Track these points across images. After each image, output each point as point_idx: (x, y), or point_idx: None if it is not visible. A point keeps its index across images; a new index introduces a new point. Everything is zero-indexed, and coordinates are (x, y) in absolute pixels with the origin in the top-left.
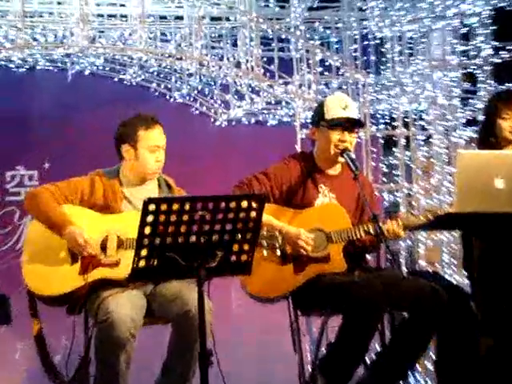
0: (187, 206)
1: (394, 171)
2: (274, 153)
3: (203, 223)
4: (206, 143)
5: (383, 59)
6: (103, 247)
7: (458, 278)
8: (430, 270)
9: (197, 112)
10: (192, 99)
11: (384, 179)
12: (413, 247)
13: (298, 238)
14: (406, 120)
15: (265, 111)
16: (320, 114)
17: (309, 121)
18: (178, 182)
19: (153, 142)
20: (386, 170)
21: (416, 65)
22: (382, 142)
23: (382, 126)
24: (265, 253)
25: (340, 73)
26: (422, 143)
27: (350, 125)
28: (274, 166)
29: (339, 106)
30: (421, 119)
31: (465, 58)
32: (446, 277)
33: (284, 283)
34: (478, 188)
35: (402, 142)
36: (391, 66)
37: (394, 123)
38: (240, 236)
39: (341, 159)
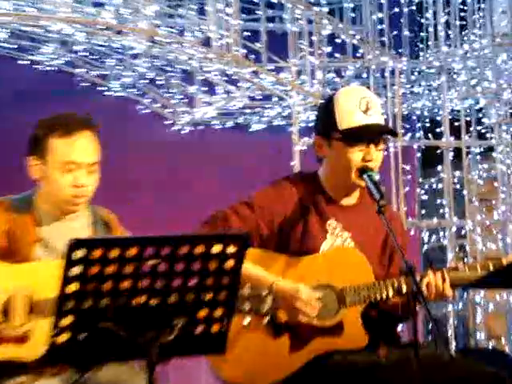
0: (132, 252)
1: (437, 200)
2: (261, 172)
3: (155, 277)
4: (158, 157)
5: (422, 34)
6: (5, 313)
7: None
8: (491, 347)
9: (145, 111)
10: (138, 92)
11: (423, 211)
12: (466, 313)
13: (295, 299)
14: (455, 124)
15: (247, 110)
16: (330, 119)
17: (311, 125)
18: (120, 217)
19: (66, 156)
20: (425, 197)
21: (471, 43)
22: (420, 156)
23: (419, 134)
24: (246, 321)
25: (358, 55)
26: (480, 158)
27: (377, 135)
28: (260, 192)
29: (358, 107)
30: (478, 123)
31: None
32: None
33: (275, 366)
34: None
35: (450, 156)
36: (434, 45)
37: (438, 129)
38: (210, 296)
39: (359, 182)
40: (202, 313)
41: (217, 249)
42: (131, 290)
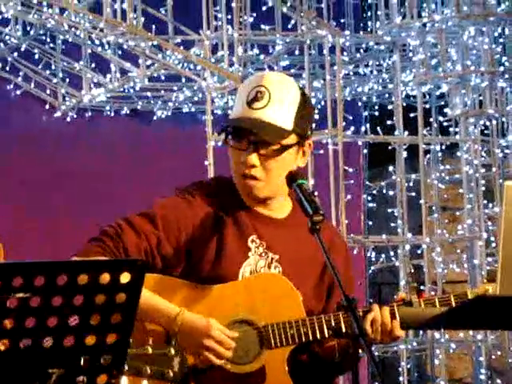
0: None
1: (388, 209)
2: (165, 172)
3: (25, 315)
4: (34, 150)
5: (370, 1)
6: None
7: None
8: None
9: (18, 92)
10: (9, 69)
11: (369, 223)
12: (423, 353)
13: (205, 336)
14: (410, 115)
15: (148, 94)
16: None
17: (230, 112)
18: None
19: None
20: (372, 205)
21: (431, 13)
22: (367, 154)
23: (366, 127)
24: None
25: (289, 26)
26: (441, 158)
27: (262, 133)
28: (163, 201)
29: (246, 97)
30: (440, 114)
31: None
32: None
33: None
34: None
35: (404, 154)
36: (384, 16)
37: (390, 121)
38: (95, 339)
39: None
40: (85, 361)
41: (104, 278)
42: None
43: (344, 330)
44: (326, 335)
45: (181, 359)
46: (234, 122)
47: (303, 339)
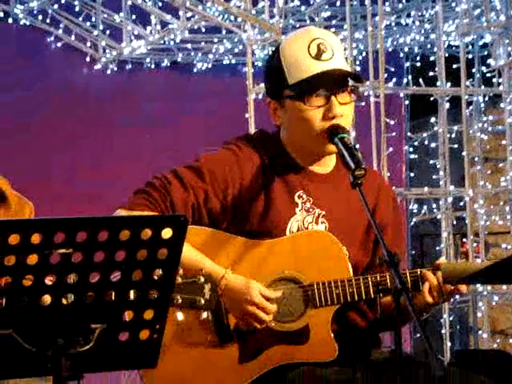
0: (36, 238)
1: (430, 160)
2: (208, 125)
3: (67, 271)
4: (76, 103)
5: None
6: None
7: None
8: (496, 348)
9: (59, 44)
10: (48, 20)
11: (411, 175)
12: (465, 306)
13: (246, 302)
14: (453, 66)
15: (188, 46)
16: (278, 75)
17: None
18: (20, 182)
19: None
20: (414, 156)
21: None
22: (408, 105)
23: (408, 78)
24: (179, 317)
25: None
26: (484, 109)
27: (339, 83)
28: (210, 155)
29: (307, 53)
30: (483, 65)
31: None
32: None
33: (221, 382)
34: None
35: (447, 106)
36: None
37: (432, 72)
38: (137, 295)
39: (330, 147)
40: (127, 316)
41: (146, 234)
42: (35, 286)
43: (388, 287)
44: (372, 295)
45: (211, 286)
46: (320, 78)
47: (348, 299)
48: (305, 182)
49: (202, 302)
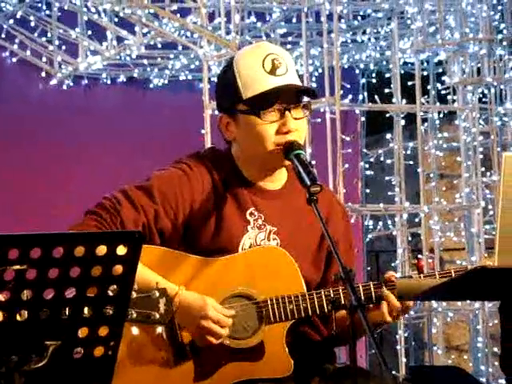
0: None
1: (385, 177)
2: (162, 141)
3: (21, 287)
4: (30, 118)
5: None
6: None
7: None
8: (451, 364)
9: (14, 60)
10: (3, 35)
11: (367, 191)
12: (420, 323)
13: (201, 317)
14: (408, 83)
15: (144, 62)
16: (231, 90)
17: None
18: None
19: None
20: (370, 173)
21: None
22: (364, 121)
23: (364, 95)
24: (134, 332)
25: None
26: (439, 126)
27: (294, 98)
28: (161, 173)
29: (262, 68)
30: (438, 82)
31: None
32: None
33: None
34: None
35: (402, 122)
36: None
37: (387, 89)
38: (92, 311)
39: (285, 163)
40: (82, 332)
41: (101, 250)
42: None
43: (343, 303)
44: (326, 310)
45: (166, 301)
46: (275, 93)
47: (303, 314)
48: (256, 198)
49: (157, 316)
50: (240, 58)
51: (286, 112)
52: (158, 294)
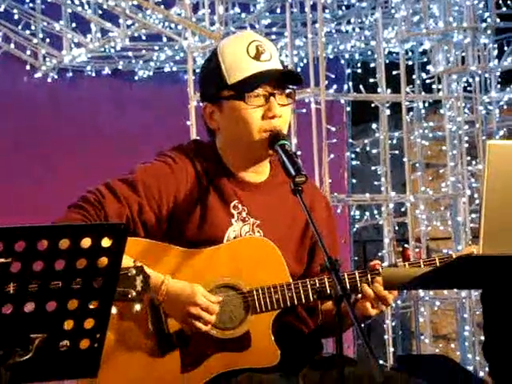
0: None
1: (371, 166)
2: (147, 133)
3: (6, 280)
4: (15, 111)
5: None
6: None
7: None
8: (438, 352)
9: None
10: None
11: (353, 181)
12: (407, 312)
13: (189, 304)
14: (393, 72)
15: (129, 54)
16: (216, 77)
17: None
18: None
19: None
20: (356, 163)
21: None
22: (350, 111)
23: (349, 85)
24: (120, 322)
25: None
26: (424, 115)
27: (275, 82)
28: (145, 166)
29: (246, 54)
30: (423, 71)
31: None
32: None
33: None
34: None
35: (387, 112)
36: None
37: (372, 79)
38: (77, 304)
39: (268, 152)
40: (68, 325)
41: (86, 243)
42: None
43: (329, 293)
44: (311, 299)
45: (143, 278)
46: (260, 77)
47: (288, 303)
48: (239, 191)
49: (134, 293)
50: (224, 46)
51: (271, 97)
52: (134, 271)
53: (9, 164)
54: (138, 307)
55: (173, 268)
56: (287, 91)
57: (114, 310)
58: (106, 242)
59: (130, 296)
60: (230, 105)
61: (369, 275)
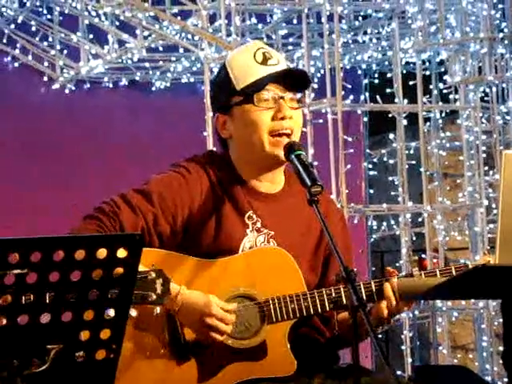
0: None
1: (388, 177)
2: (164, 144)
3: (22, 291)
4: (32, 123)
5: None
6: None
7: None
8: (456, 363)
9: (15, 65)
10: (4, 40)
11: (371, 191)
12: (425, 323)
13: (204, 314)
14: (410, 83)
15: (146, 65)
16: (226, 86)
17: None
18: None
19: None
20: (373, 173)
21: None
22: (367, 122)
23: (365, 95)
24: (137, 332)
25: None
26: (441, 125)
27: (287, 85)
28: (160, 177)
29: (253, 60)
30: (440, 81)
31: None
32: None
33: None
34: None
35: (404, 122)
36: None
37: (389, 89)
38: (93, 314)
39: (278, 152)
40: (84, 336)
41: (101, 253)
42: None
43: (345, 303)
44: (327, 308)
45: (162, 281)
46: (268, 78)
47: (304, 313)
48: (254, 201)
49: (154, 296)
50: (231, 57)
51: (281, 100)
52: (154, 274)
53: (27, 175)
54: (158, 310)
55: (188, 278)
56: (297, 96)
57: (133, 313)
58: (121, 253)
59: (150, 299)
60: (240, 110)
61: (384, 281)
